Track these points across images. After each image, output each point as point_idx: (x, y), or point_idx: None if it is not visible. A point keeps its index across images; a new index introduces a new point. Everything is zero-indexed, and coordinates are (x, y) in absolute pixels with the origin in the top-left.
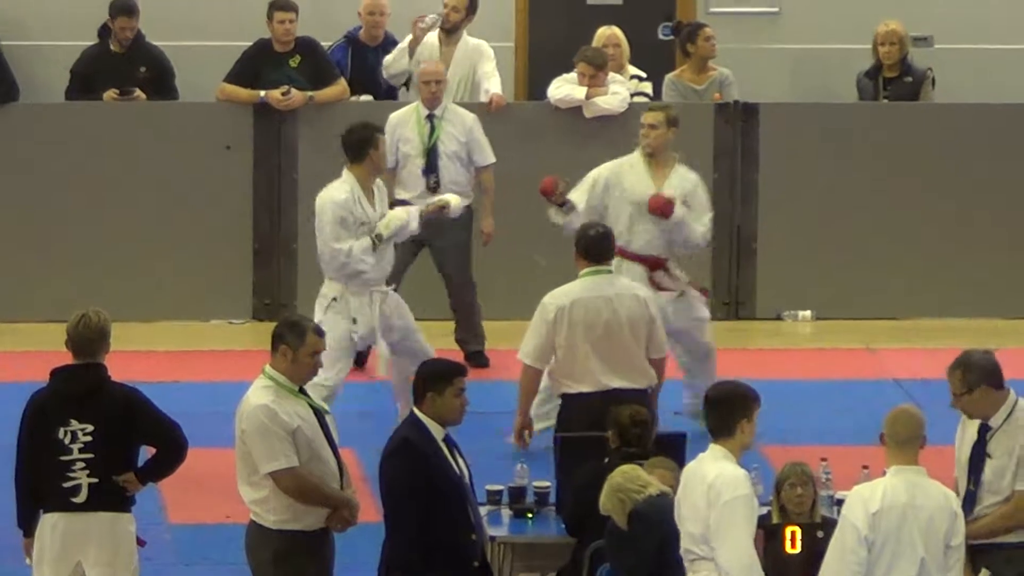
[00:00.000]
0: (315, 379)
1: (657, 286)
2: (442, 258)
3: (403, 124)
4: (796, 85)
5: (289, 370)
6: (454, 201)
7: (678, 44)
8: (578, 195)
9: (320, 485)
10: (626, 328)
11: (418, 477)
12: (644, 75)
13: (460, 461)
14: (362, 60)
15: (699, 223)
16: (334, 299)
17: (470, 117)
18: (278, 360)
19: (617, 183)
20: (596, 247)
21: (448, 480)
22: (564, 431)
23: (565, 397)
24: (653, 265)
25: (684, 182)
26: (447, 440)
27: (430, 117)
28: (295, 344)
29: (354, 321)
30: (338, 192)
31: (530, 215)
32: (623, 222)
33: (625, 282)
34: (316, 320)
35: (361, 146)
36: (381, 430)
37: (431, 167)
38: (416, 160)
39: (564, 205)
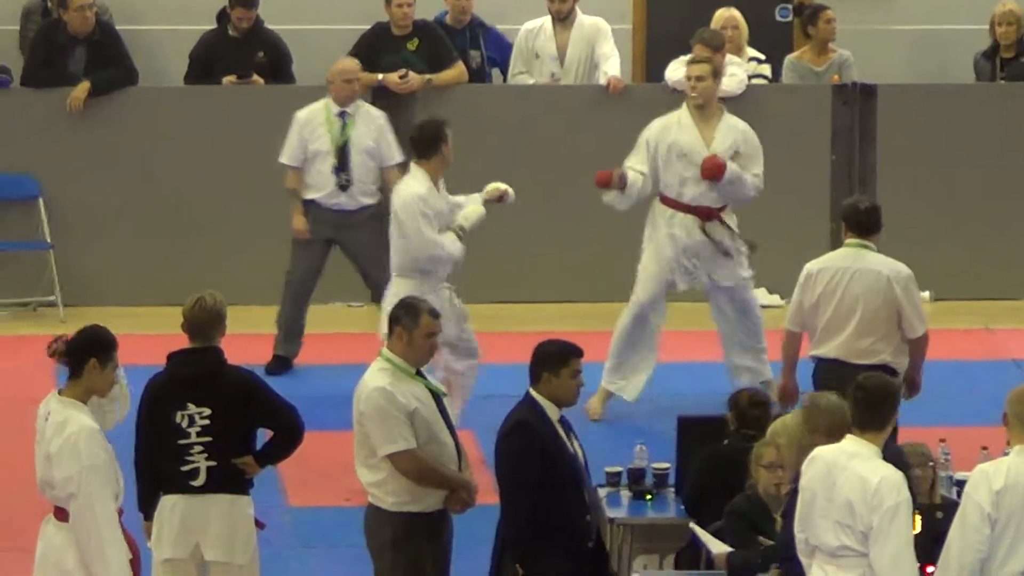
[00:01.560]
0: None
1: (710, 237)
2: (356, 256)
3: (312, 121)
4: (913, 66)
5: (405, 352)
6: (511, 189)
7: (799, 25)
8: (637, 161)
9: (438, 467)
10: (859, 304)
11: (533, 457)
12: (763, 57)
13: (575, 442)
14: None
15: (750, 173)
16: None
17: (381, 116)
18: (394, 342)
19: (664, 138)
20: (859, 219)
21: (563, 461)
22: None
23: (815, 359)
24: (707, 216)
25: (734, 132)
26: (562, 421)
27: (342, 114)
28: (410, 326)
29: None
30: (419, 187)
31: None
32: (673, 174)
33: (876, 259)
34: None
35: (434, 142)
36: (499, 412)
37: (343, 165)
38: (327, 158)
39: (623, 187)
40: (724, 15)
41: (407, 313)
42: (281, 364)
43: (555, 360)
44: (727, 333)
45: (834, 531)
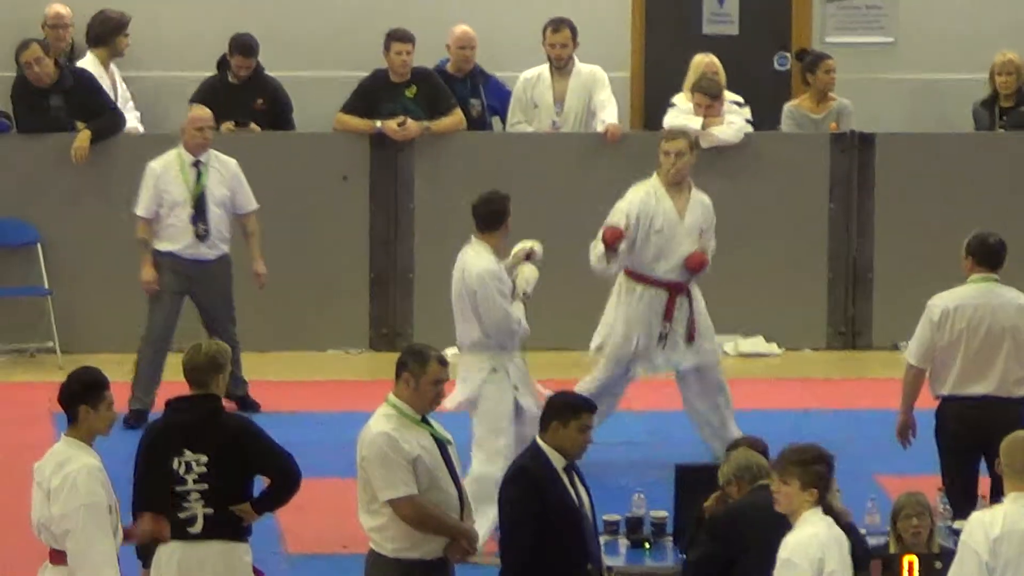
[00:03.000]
0: (492, 448)
1: (671, 318)
2: (208, 306)
3: (166, 173)
4: (912, 115)
5: (412, 398)
6: (538, 245)
7: (798, 72)
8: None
9: (438, 514)
10: (1007, 337)
11: (532, 504)
12: (742, 100)
13: (582, 491)
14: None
15: (709, 247)
16: (493, 370)
17: (233, 163)
18: (401, 388)
19: (645, 212)
20: (991, 255)
21: (565, 509)
22: (942, 432)
23: (942, 400)
24: (676, 290)
25: (701, 207)
26: (567, 469)
27: (196, 164)
28: (418, 372)
29: (516, 388)
30: (488, 262)
31: None
32: (649, 252)
33: (1010, 292)
34: (471, 394)
35: (500, 215)
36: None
37: (200, 214)
38: (184, 208)
39: (615, 252)
40: (704, 60)
41: (415, 359)
42: (140, 417)
43: (566, 412)
44: (697, 413)
45: None
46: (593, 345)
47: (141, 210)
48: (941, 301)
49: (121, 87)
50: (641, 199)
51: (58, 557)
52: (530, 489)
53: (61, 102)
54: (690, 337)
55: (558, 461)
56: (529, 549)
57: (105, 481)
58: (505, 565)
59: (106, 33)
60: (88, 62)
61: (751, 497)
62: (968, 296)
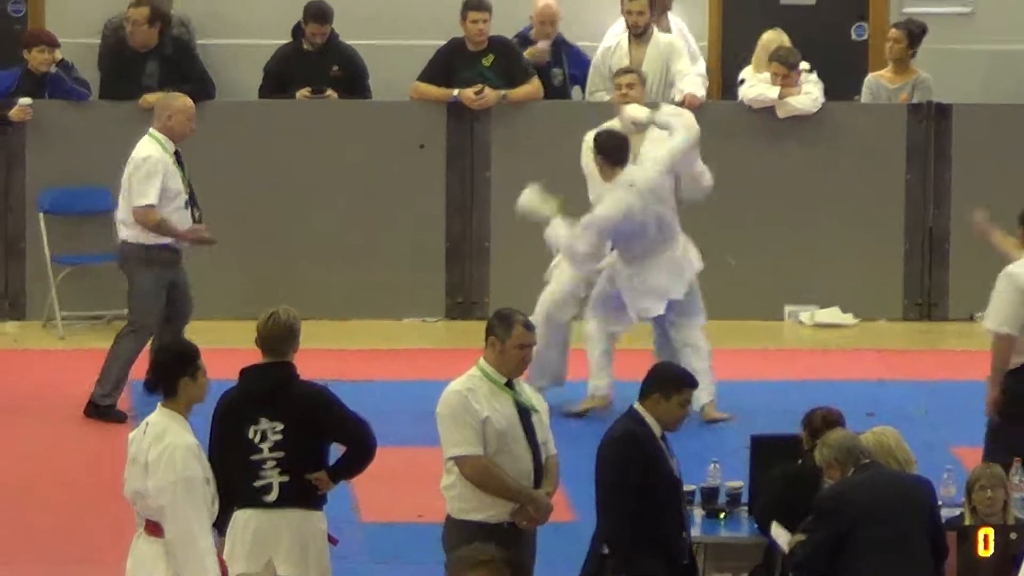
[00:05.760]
0: None
1: None
2: (180, 295)
3: (165, 160)
4: (989, 85)
5: (497, 361)
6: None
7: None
8: None
9: (503, 477)
10: None
11: (638, 467)
12: (808, 66)
13: (675, 461)
14: None
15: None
16: None
17: None
18: (488, 352)
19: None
20: None
21: (667, 476)
22: (1012, 403)
23: (1015, 370)
24: None
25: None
26: (664, 438)
27: (177, 153)
28: (503, 335)
29: None
30: None
31: (722, 216)
32: None
33: None
34: None
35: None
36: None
37: (192, 200)
38: (180, 198)
39: None
40: (774, 38)
41: (501, 323)
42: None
43: (669, 385)
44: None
45: None
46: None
47: (154, 199)
48: (1019, 269)
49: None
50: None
51: (154, 528)
52: (638, 454)
53: (156, 68)
54: None
55: (656, 429)
56: (631, 509)
57: (201, 455)
58: (605, 525)
59: None
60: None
61: (854, 477)
62: None
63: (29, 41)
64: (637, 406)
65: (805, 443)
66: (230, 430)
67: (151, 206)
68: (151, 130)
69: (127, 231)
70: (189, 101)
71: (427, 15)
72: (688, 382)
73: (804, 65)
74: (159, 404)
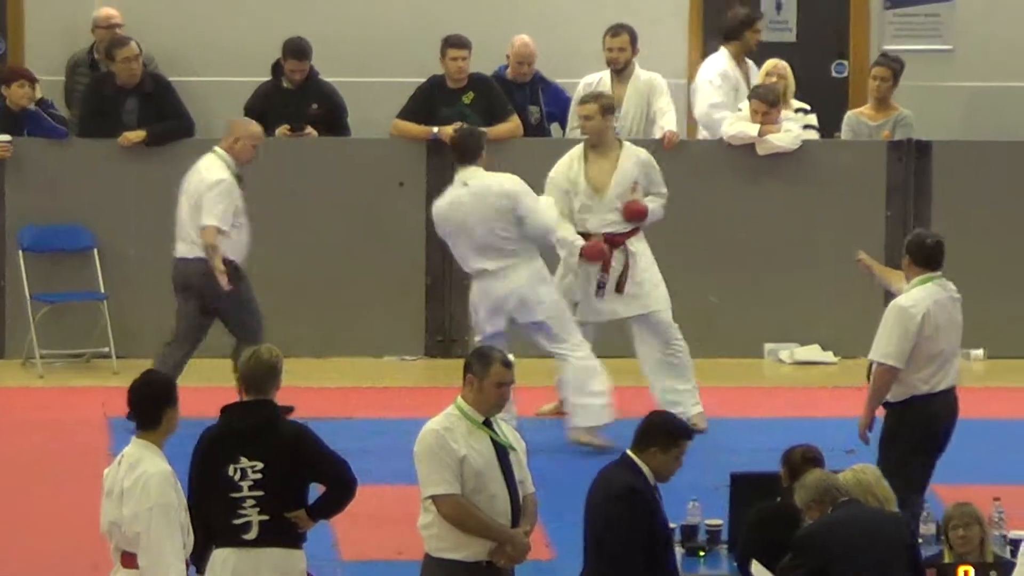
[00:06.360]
0: None
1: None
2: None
3: (234, 184)
4: (970, 122)
5: (475, 400)
6: None
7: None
8: (552, 203)
9: (480, 516)
10: (958, 331)
11: (643, 523)
12: (808, 107)
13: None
14: (508, 98)
15: (658, 194)
16: None
17: None
18: (466, 390)
19: (569, 179)
20: (933, 255)
21: (663, 527)
22: (914, 429)
23: (915, 399)
24: (612, 243)
25: (637, 162)
26: (656, 489)
27: (238, 175)
28: (481, 373)
29: None
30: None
31: (703, 254)
32: (576, 211)
33: (951, 286)
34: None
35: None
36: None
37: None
38: (242, 218)
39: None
40: (772, 63)
41: (478, 361)
42: None
43: (668, 439)
44: (645, 362)
45: None
46: None
47: (224, 223)
48: (915, 302)
49: (750, 80)
50: (562, 171)
51: (129, 560)
52: (642, 510)
53: (136, 105)
54: (619, 288)
55: (651, 479)
56: (643, 570)
57: (176, 485)
58: None
59: (736, 28)
60: (720, 56)
61: (832, 515)
62: (931, 294)
63: (8, 76)
64: (632, 455)
65: (784, 481)
66: (210, 467)
67: (218, 228)
68: (216, 148)
69: (200, 249)
70: (260, 129)
71: (407, 52)
72: (685, 435)
73: (803, 105)
74: (133, 437)
